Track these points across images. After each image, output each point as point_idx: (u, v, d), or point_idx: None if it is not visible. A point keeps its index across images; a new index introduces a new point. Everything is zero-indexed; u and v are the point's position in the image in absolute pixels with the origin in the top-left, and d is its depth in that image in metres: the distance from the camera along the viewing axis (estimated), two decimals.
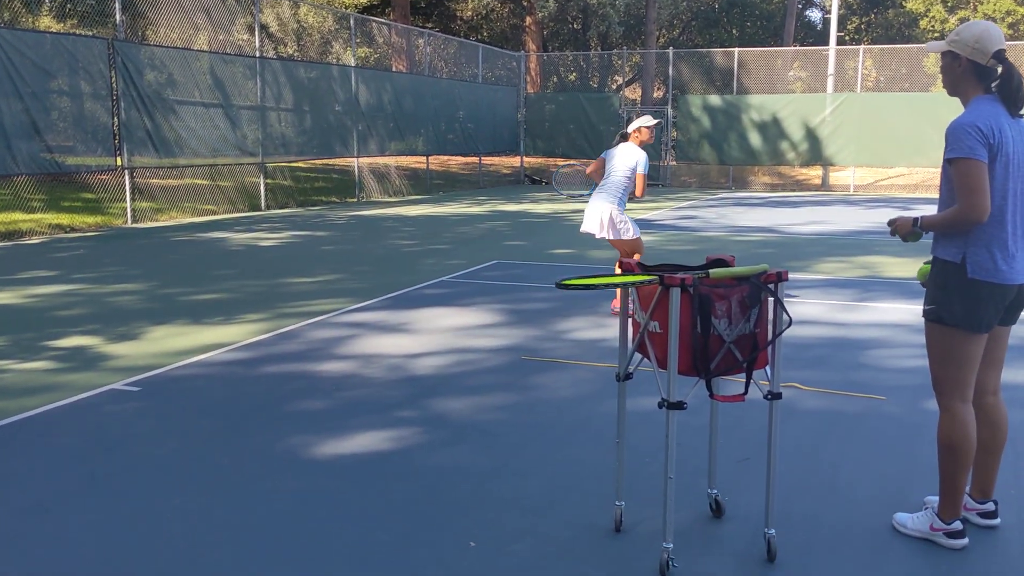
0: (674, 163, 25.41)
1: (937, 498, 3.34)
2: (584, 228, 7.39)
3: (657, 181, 24.34)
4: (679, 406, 2.97)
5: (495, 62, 27.20)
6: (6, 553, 3.19)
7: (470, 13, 35.57)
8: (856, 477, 3.90)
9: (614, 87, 38.10)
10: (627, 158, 7.27)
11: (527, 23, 34.00)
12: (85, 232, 13.02)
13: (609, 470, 3.95)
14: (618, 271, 7.16)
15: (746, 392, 3.10)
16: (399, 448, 4.26)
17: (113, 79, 13.55)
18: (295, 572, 3.07)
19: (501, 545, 3.27)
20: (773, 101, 23.74)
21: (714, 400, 3.23)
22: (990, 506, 3.42)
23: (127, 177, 14.07)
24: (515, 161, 27.63)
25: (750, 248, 11.52)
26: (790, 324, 3.05)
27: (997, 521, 3.41)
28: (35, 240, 12.06)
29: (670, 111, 24.32)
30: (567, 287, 3.04)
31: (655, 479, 3.83)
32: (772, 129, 23.60)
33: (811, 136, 23.21)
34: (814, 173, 25.29)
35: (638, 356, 3.26)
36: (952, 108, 17.21)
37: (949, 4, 31.08)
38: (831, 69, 24.30)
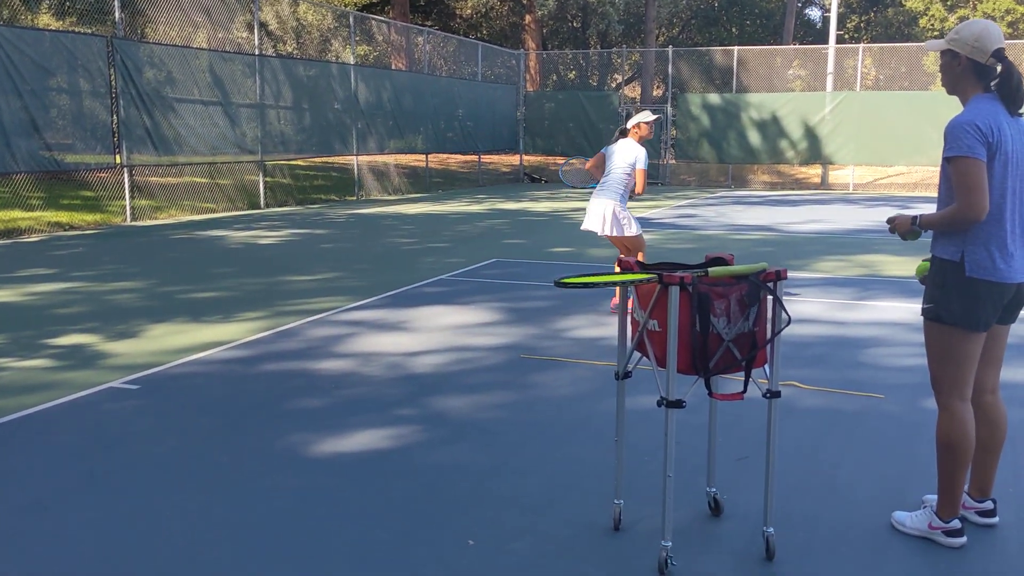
0: (673, 161, 25.40)
1: (936, 496, 3.34)
2: (585, 226, 7.37)
3: (656, 180, 24.33)
4: (678, 404, 2.98)
5: (494, 60, 27.19)
6: (5, 551, 3.19)
7: (469, 11, 35.53)
8: (855, 476, 3.91)
9: (613, 85, 38.12)
10: (627, 154, 7.24)
11: (526, 21, 33.99)
12: (84, 230, 13.01)
13: (608, 468, 3.95)
14: (617, 269, 7.15)
15: (745, 391, 3.10)
16: (398, 446, 4.26)
17: (112, 77, 13.54)
18: (295, 570, 3.07)
19: (500, 543, 3.27)
20: (772, 100, 23.73)
21: (713, 399, 3.23)
22: (989, 505, 3.42)
23: (126, 175, 14.06)
24: (514, 159, 27.63)
25: (749, 247, 11.52)
26: (789, 323, 3.05)
27: (996, 520, 3.42)
28: (34, 238, 12.06)
29: (669, 109, 24.30)
30: (566, 285, 3.04)
31: (654, 477, 3.84)
32: (771, 128, 23.59)
33: (810, 135, 23.20)
34: (813, 172, 25.30)
35: (637, 354, 3.26)
36: (951, 107, 17.19)
37: (948, 3, 31.06)
38: (830, 67, 24.28)
